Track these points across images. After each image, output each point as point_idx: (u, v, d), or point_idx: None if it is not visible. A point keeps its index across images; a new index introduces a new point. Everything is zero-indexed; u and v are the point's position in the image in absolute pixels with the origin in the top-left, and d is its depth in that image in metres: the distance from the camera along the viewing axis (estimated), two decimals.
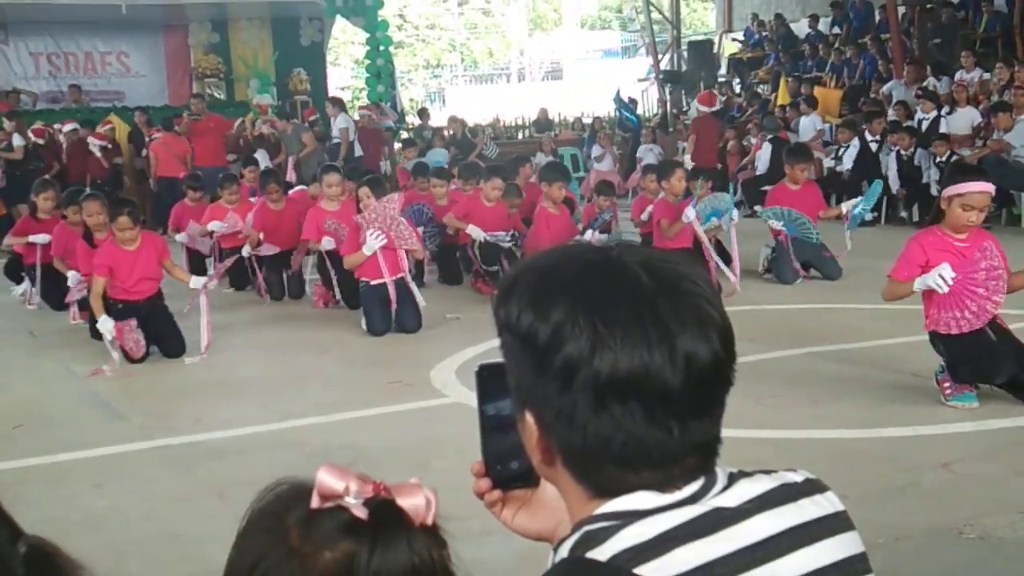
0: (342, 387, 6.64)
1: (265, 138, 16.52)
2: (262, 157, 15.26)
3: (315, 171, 11.44)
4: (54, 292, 9.58)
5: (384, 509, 1.08)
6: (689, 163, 13.86)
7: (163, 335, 7.66)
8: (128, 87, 20.36)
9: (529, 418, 1.19)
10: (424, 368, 6.87)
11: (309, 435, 5.57)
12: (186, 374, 7.29)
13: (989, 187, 5.53)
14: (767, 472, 1.22)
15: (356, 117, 17.50)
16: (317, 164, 12.93)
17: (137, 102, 19.21)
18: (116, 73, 20.66)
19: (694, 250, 8.86)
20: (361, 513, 1.07)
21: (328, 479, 1.09)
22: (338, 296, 9.29)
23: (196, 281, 7.76)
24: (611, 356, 1.11)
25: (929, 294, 5.52)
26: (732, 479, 1.19)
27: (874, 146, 14.23)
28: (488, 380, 1.34)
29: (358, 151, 16.49)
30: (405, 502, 1.10)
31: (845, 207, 9.74)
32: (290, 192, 11.25)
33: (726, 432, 1.18)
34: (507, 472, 1.36)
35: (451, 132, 18.78)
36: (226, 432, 5.69)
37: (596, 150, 18.95)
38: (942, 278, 5.30)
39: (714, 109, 16.16)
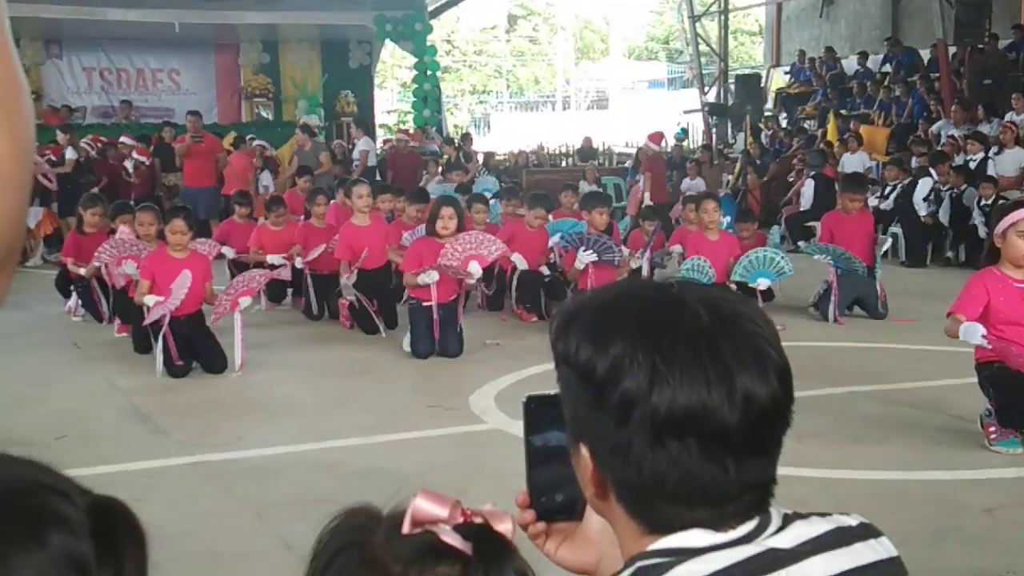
0: (381, 409, 6.65)
1: (271, 160, 16.48)
2: (267, 179, 15.41)
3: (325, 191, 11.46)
4: (98, 305, 9.67)
5: (486, 536, 1.06)
6: (648, 200, 14.30)
7: (205, 351, 7.71)
8: (178, 104, 20.61)
9: (584, 451, 1.19)
10: (463, 393, 6.88)
11: (347, 456, 5.58)
12: (226, 391, 7.33)
13: None
14: (822, 515, 1.22)
15: (388, 139, 17.62)
16: (327, 185, 12.78)
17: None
18: (167, 90, 20.96)
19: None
20: (457, 540, 1.04)
21: (427, 506, 1.07)
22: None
23: (244, 302, 7.83)
24: (669, 392, 1.11)
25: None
26: (787, 520, 1.18)
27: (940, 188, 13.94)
28: (535, 411, 1.34)
29: (378, 175, 16.55)
30: (500, 527, 1.09)
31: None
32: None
33: None
34: (551, 504, 1.36)
35: (447, 156, 18.38)
36: (265, 450, 5.72)
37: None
38: (983, 337, 5.26)
39: (663, 148, 16.40)
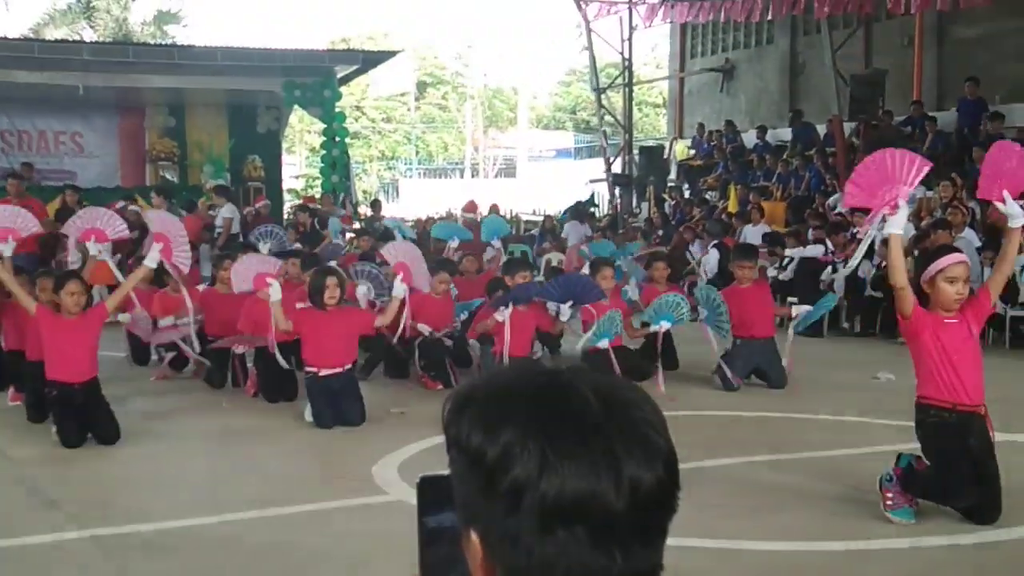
0: (281, 481, 6.56)
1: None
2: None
3: None
4: None
5: None
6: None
7: (98, 421, 7.51)
8: (80, 167, 20.32)
9: (474, 538, 1.19)
10: (366, 463, 6.80)
11: (245, 531, 5.48)
12: (122, 462, 7.15)
13: (965, 257, 5.66)
14: None
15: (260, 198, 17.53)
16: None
17: (89, 182, 19.17)
18: (69, 153, 20.63)
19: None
20: None
21: None
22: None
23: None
24: (558, 480, 1.11)
25: (918, 355, 5.59)
26: None
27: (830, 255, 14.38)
28: (429, 492, 1.33)
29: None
30: None
31: (795, 310, 9.88)
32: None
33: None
34: None
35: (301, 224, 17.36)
36: (163, 524, 5.58)
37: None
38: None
39: (475, 216, 17.00)
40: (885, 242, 13.02)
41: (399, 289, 8.61)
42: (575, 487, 1.12)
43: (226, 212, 16.79)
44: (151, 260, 8.13)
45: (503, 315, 9.02)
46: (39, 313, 7.57)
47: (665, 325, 9.39)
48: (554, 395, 1.18)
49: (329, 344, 8.16)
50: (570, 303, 9.29)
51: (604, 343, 9.23)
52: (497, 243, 13.11)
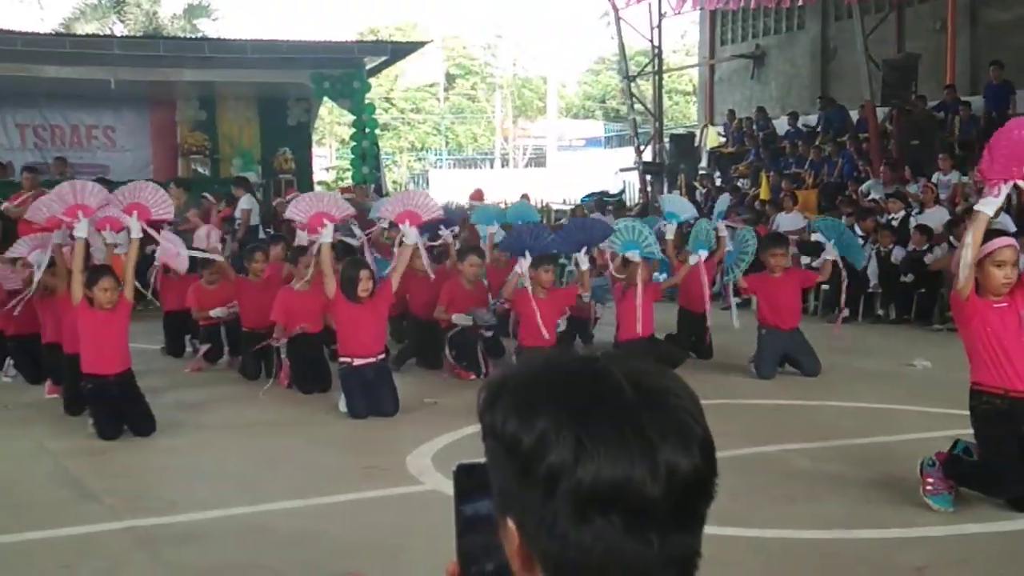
0: (315, 471, 6.59)
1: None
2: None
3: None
4: (30, 364, 9.52)
5: None
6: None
7: (134, 413, 7.58)
8: (113, 161, 20.42)
9: (511, 525, 1.19)
10: (400, 453, 6.83)
11: (280, 520, 5.51)
12: (159, 454, 7.22)
13: (1014, 241, 5.59)
14: None
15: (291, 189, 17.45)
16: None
17: (122, 176, 19.15)
18: (101, 147, 20.75)
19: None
20: None
21: None
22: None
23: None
24: (593, 467, 1.11)
25: (970, 340, 5.52)
26: None
27: (860, 241, 14.31)
28: (466, 480, 1.33)
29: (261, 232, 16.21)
30: None
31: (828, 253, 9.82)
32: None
33: None
34: (482, 573, 1.36)
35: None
36: (197, 515, 5.62)
37: None
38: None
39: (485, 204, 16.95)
40: (957, 223, 13.00)
41: (411, 235, 8.51)
42: (611, 473, 1.11)
43: (244, 203, 16.68)
44: (135, 232, 7.93)
45: (523, 267, 9.13)
46: (80, 306, 7.61)
47: (634, 255, 9.49)
48: (588, 382, 1.18)
49: (363, 334, 8.26)
50: (584, 250, 9.43)
51: (634, 255, 9.42)
52: (495, 228, 12.15)
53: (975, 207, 5.61)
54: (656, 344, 9.68)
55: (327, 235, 8.44)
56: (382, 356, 8.35)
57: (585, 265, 9.53)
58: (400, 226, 8.56)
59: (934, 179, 15.75)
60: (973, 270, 5.40)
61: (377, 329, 8.46)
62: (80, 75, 17.98)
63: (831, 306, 13.95)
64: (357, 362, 8.17)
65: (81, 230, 7.72)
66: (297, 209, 8.85)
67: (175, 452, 7.23)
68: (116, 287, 7.57)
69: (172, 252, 9.36)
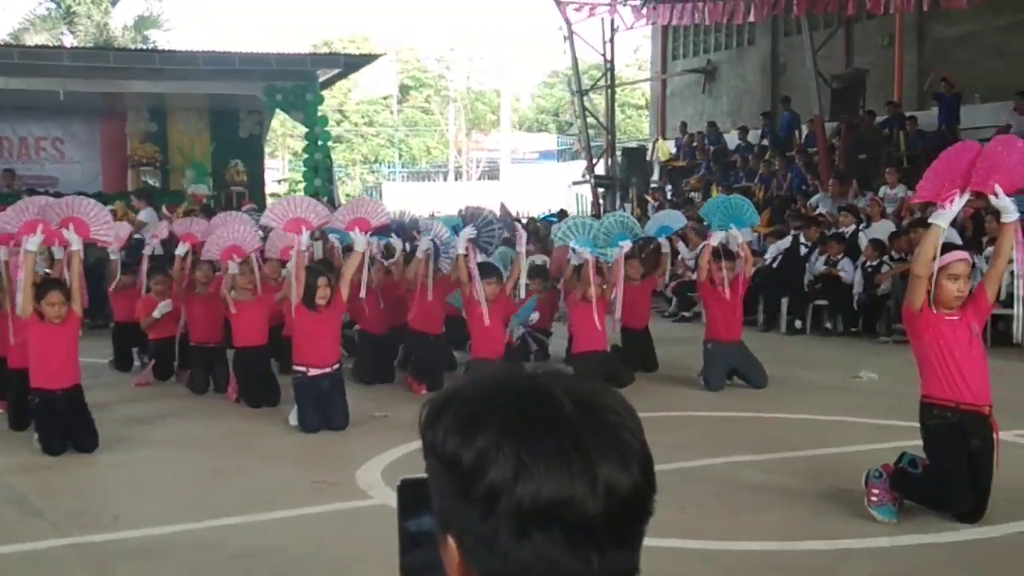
0: (264, 485, 6.54)
1: None
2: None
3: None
4: None
5: None
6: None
7: (77, 429, 7.47)
8: (62, 173, 20.25)
9: (451, 542, 1.19)
10: (350, 468, 6.80)
11: (229, 536, 5.47)
12: (105, 469, 7.14)
13: (967, 255, 5.67)
14: None
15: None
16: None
17: (71, 188, 19.03)
18: (50, 159, 20.56)
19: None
20: None
21: None
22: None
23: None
24: (533, 484, 1.12)
25: (922, 353, 5.58)
26: None
27: (803, 249, 14.45)
28: (410, 495, 1.34)
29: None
30: None
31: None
32: None
33: (646, 541, 1.19)
34: None
35: None
36: (144, 531, 5.57)
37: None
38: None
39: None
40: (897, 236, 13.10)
41: (359, 242, 8.45)
42: (551, 491, 1.12)
43: (143, 216, 16.00)
44: (73, 243, 7.74)
45: (464, 236, 9.27)
46: (29, 320, 7.51)
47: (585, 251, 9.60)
48: (529, 399, 1.19)
49: (320, 343, 8.22)
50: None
51: (585, 251, 9.62)
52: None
53: (930, 220, 5.69)
54: (609, 361, 9.72)
55: (304, 241, 8.45)
56: (337, 366, 8.30)
57: (522, 247, 9.63)
58: (350, 233, 8.56)
59: (881, 193, 15.96)
60: (926, 282, 5.48)
61: (333, 337, 8.42)
62: (29, 86, 17.80)
63: (774, 318, 14.11)
64: (312, 372, 8.12)
65: (32, 244, 7.63)
66: (273, 214, 8.89)
67: (121, 467, 7.15)
68: (64, 301, 7.48)
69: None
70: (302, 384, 8.14)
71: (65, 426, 7.43)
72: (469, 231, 9.34)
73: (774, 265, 14.51)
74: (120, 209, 16.16)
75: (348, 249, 9.34)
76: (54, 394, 7.44)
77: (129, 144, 20.89)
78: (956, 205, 5.51)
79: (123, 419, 8.51)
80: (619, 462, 1.15)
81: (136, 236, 14.79)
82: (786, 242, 14.68)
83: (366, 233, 8.57)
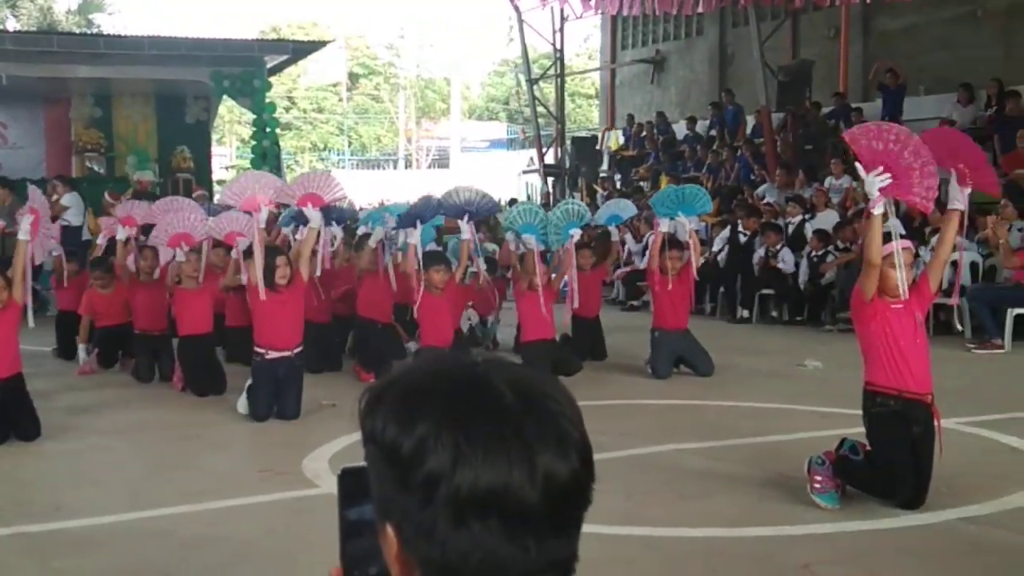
0: (210, 474, 6.50)
1: None
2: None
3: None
4: None
5: None
6: None
7: (19, 418, 7.38)
8: (6, 158, 19.92)
9: (389, 531, 1.20)
10: (296, 456, 6.77)
11: (175, 525, 5.43)
12: (47, 458, 7.06)
13: (911, 243, 5.76)
14: None
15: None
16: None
17: (15, 174, 18.75)
18: None
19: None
20: None
21: None
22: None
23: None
24: (471, 473, 1.12)
25: (868, 340, 5.65)
26: None
27: (742, 238, 14.57)
28: (351, 484, 1.33)
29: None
30: None
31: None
32: None
33: (593, 528, 1.20)
34: None
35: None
36: (87, 520, 5.51)
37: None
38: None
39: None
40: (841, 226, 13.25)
41: (314, 218, 8.22)
42: (489, 479, 1.12)
43: (65, 202, 15.70)
44: (23, 233, 7.59)
45: (411, 236, 9.24)
46: None
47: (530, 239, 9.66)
48: (469, 388, 1.19)
49: (280, 324, 8.08)
50: (466, 217, 9.35)
51: (530, 239, 9.71)
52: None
53: (871, 209, 5.73)
54: (557, 349, 9.76)
55: (263, 218, 8.30)
56: (298, 350, 8.18)
57: (467, 235, 9.37)
58: (303, 209, 8.27)
59: (826, 183, 16.13)
60: (877, 270, 5.56)
61: (295, 319, 8.21)
62: None
63: (732, 306, 14.24)
64: (271, 355, 8.02)
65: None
66: (231, 192, 8.68)
67: (65, 456, 7.07)
68: (4, 287, 7.37)
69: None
70: (259, 367, 8.04)
71: (6, 415, 7.33)
72: (467, 227, 9.31)
73: (720, 255, 14.64)
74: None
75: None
76: None
77: (73, 130, 20.60)
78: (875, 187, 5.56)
79: (67, 408, 8.42)
80: (558, 451, 1.15)
81: (63, 222, 14.52)
82: (727, 232, 14.82)
83: (318, 208, 8.40)
